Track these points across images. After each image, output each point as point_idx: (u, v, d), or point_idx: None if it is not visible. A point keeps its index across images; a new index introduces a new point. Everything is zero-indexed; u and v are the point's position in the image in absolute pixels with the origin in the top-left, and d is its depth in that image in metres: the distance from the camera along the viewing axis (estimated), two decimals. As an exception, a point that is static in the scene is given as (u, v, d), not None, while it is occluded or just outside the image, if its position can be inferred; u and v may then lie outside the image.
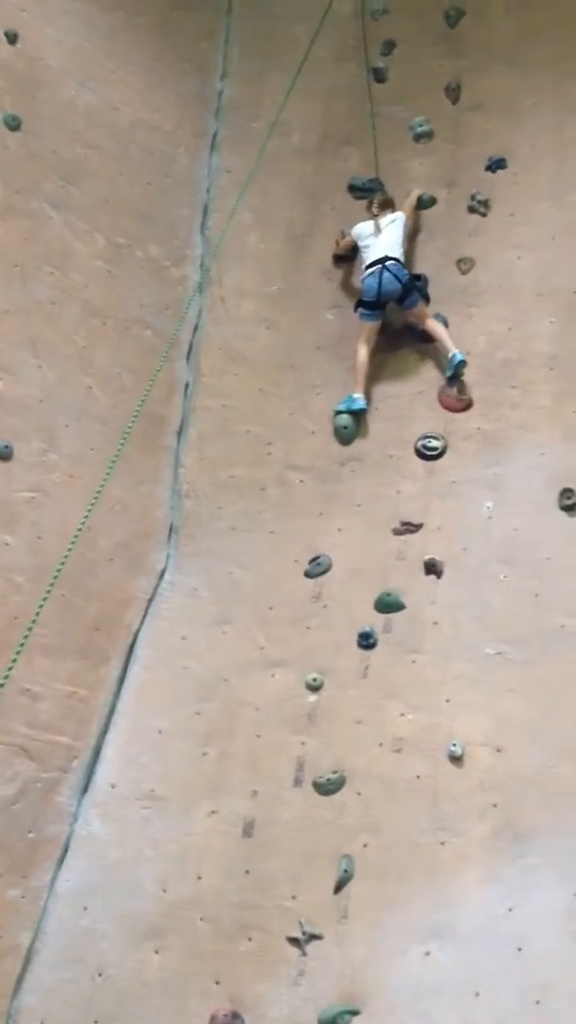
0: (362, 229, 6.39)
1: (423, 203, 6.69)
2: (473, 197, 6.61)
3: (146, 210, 6.67)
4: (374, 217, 6.37)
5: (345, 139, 7.20)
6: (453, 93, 7.12)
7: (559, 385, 5.82)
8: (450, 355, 5.96)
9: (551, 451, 5.61)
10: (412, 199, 6.61)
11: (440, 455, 5.81)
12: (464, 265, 6.44)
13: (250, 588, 5.63)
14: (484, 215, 6.59)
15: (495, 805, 4.58)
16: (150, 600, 5.67)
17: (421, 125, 7.01)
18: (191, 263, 6.80)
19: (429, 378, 6.10)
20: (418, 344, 6.26)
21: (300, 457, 6.07)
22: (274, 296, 6.72)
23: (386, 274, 6.10)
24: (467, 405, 5.94)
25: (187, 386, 6.41)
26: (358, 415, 6.05)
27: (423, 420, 5.96)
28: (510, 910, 4.24)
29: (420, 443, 5.86)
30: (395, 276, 6.11)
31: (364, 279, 6.21)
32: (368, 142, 7.10)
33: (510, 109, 6.94)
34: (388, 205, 6.45)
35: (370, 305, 6.16)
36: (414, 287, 6.19)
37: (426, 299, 6.22)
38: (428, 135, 7.00)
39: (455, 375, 5.93)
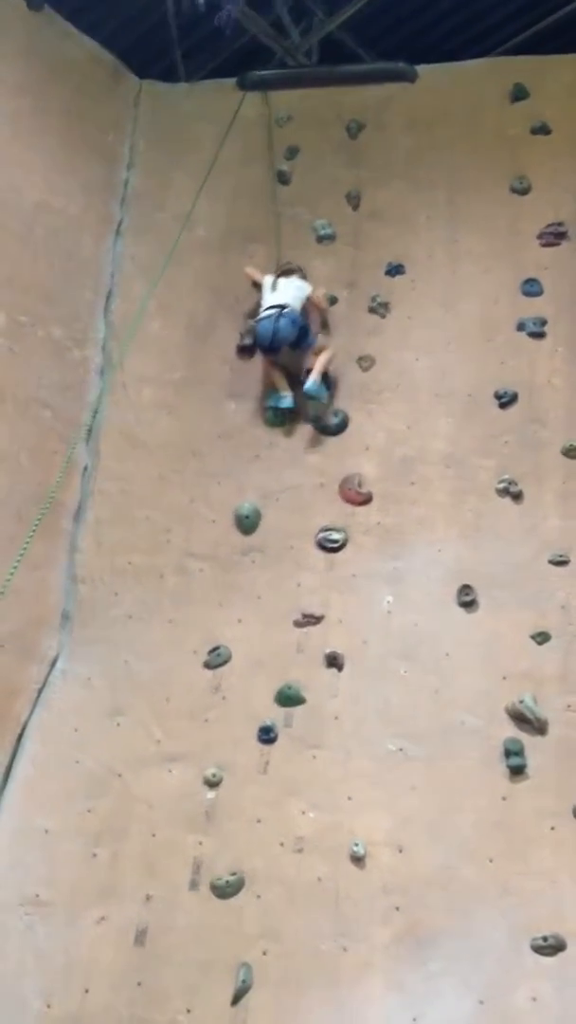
0: (266, 280, 6.67)
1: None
2: (373, 299, 6.85)
3: (49, 291, 6.60)
4: (280, 275, 6.66)
5: (249, 236, 7.35)
6: (354, 200, 7.41)
7: (455, 483, 6.00)
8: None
9: (448, 547, 5.74)
10: (322, 300, 6.78)
11: (341, 548, 5.86)
12: (364, 363, 6.62)
13: (146, 678, 5.47)
14: (383, 316, 6.82)
15: (397, 908, 4.52)
16: (40, 690, 5.43)
17: (324, 228, 7.25)
18: (93, 345, 6.75)
19: (331, 471, 6.18)
20: (320, 436, 6.35)
21: (200, 545, 6.00)
22: (176, 383, 6.71)
23: (282, 320, 6.30)
24: (367, 499, 6.03)
25: (86, 469, 6.29)
26: (286, 412, 6.34)
27: (324, 512, 6.02)
28: (414, 1020, 4.15)
29: (321, 535, 5.90)
30: (291, 321, 6.33)
31: (259, 323, 6.38)
32: (271, 240, 7.28)
33: (407, 220, 7.25)
34: (294, 272, 6.73)
35: (264, 351, 6.42)
36: (308, 330, 6.45)
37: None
38: (330, 237, 7.25)
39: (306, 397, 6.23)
